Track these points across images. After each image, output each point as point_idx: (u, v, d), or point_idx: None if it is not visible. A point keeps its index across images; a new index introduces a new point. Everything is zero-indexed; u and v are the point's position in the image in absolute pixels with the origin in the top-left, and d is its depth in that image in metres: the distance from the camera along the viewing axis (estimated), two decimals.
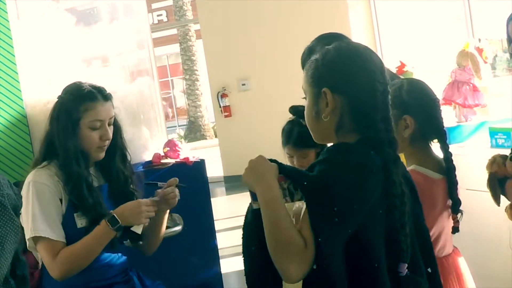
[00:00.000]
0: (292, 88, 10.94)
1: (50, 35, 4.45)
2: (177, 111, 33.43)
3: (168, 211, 3.49)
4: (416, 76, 7.50)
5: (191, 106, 26.78)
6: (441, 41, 10.17)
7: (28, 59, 4.22)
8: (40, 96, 4.11)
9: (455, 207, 3.07)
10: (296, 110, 3.78)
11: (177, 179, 3.42)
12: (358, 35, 11.15)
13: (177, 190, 3.39)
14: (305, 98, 2.41)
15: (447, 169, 3.03)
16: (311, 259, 2.07)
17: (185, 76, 26.55)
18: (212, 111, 13.79)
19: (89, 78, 4.12)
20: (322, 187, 2.12)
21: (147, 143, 4.39)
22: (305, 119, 2.42)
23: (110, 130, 3.39)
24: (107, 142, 3.37)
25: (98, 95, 3.34)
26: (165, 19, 30.19)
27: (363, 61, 2.30)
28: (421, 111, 2.96)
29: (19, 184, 3.36)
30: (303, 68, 2.95)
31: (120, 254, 3.43)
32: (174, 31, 26.65)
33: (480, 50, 6.55)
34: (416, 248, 2.38)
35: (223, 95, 12.75)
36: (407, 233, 2.25)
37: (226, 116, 12.58)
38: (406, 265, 2.27)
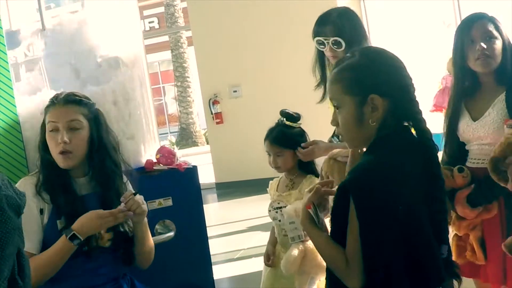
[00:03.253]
0: (283, 95, 11.05)
1: (42, 40, 4.46)
2: (169, 118, 33.40)
3: (144, 221, 3.47)
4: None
5: (182, 112, 26.80)
6: (431, 47, 10.24)
7: (22, 66, 4.23)
8: (33, 103, 4.12)
9: None
10: (285, 113, 4.03)
11: (131, 190, 3.42)
12: None
13: (139, 198, 3.36)
14: (336, 107, 2.50)
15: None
16: (359, 271, 2.28)
17: (177, 83, 26.57)
18: (203, 118, 13.81)
19: (81, 85, 4.16)
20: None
21: (139, 150, 4.40)
22: (342, 127, 2.50)
23: (74, 136, 3.35)
24: (65, 147, 3.34)
25: (60, 98, 3.39)
26: (156, 26, 30.17)
27: (392, 61, 2.46)
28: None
29: None
30: None
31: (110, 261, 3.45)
32: (165, 38, 26.66)
33: None
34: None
35: (215, 102, 12.77)
36: (446, 216, 2.45)
37: (217, 123, 12.60)
38: (447, 246, 2.43)
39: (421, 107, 2.49)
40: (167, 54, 27.81)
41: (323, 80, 4.25)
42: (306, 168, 4.19)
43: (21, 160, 3.96)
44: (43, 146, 3.39)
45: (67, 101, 3.39)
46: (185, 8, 15.78)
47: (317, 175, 4.09)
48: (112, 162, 3.50)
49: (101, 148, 3.46)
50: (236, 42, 12.28)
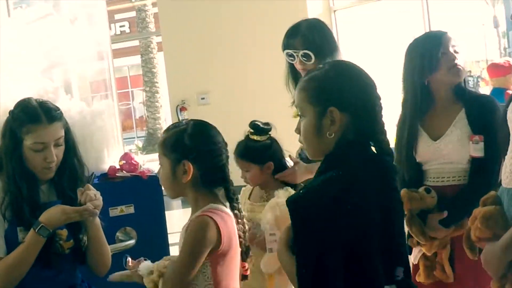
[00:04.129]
0: (251, 103, 11.02)
1: (8, 40, 4.40)
2: (136, 122, 33.32)
3: (96, 223, 3.36)
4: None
5: (150, 118, 26.74)
6: (401, 60, 10.21)
7: None
8: None
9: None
10: (252, 125, 3.90)
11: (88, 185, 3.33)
12: None
13: (92, 192, 3.28)
14: (299, 116, 2.48)
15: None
16: None
17: (145, 88, 26.51)
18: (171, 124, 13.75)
19: (46, 86, 4.10)
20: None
21: (102, 155, 4.35)
22: (302, 136, 2.48)
23: (59, 151, 3.31)
24: (53, 164, 3.30)
25: (42, 116, 3.22)
26: (127, 30, 30.09)
27: (362, 78, 2.42)
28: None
29: None
30: None
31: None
32: (136, 43, 26.60)
33: None
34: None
35: (182, 109, 12.72)
36: (405, 238, 2.52)
37: None
38: (403, 269, 2.36)
39: (386, 126, 2.47)
40: (136, 59, 27.73)
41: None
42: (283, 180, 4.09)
43: None
44: (17, 159, 3.24)
45: (52, 119, 3.26)
46: (157, 14, 15.73)
47: (293, 187, 4.03)
48: (80, 165, 3.46)
49: (70, 152, 3.41)
50: (205, 49, 12.26)
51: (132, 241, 3.98)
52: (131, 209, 4.14)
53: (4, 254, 3.20)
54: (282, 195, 3.81)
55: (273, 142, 3.98)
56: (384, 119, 2.46)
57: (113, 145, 4.55)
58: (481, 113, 3.55)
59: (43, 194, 3.36)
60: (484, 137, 3.49)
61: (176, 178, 2.94)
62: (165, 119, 26.00)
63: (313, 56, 3.91)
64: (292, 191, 3.86)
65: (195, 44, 12.34)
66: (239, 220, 3.05)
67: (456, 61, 3.59)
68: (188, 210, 2.97)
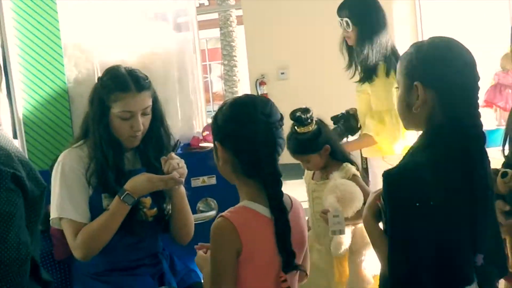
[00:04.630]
0: (329, 80, 10.96)
1: (94, 9, 4.43)
2: (213, 96, 33.45)
3: (181, 192, 3.42)
4: None
5: (228, 92, 26.76)
6: (486, 42, 10.06)
7: (71, 28, 4.19)
8: (82, 71, 4.09)
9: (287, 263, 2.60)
10: (295, 118, 3.86)
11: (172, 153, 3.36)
12: (401, 35, 11.06)
13: (176, 161, 3.31)
14: (397, 87, 2.54)
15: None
16: None
17: (224, 62, 26.53)
18: None
19: (132, 58, 4.11)
20: None
21: (189, 125, 4.37)
22: (397, 107, 2.57)
23: (146, 119, 3.34)
24: (140, 132, 3.33)
25: (131, 85, 3.28)
26: (206, 3, 30.14)
27: (455, 57, 2.40)
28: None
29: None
30: None
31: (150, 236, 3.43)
32: (215, 16, 26.60)
33: None
34: (499, 241, 2.55)
35: (262, 83, 12.73)
36: (487, 224, 2.38)
37: None
38: (483, 256, 2.36)
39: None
40: (215, 32, 27.76)
41: (350, 59, 5.06)
42: (341, 156, 4.08)
43: (67, 128, 3.95)
44: (104, 126, 3.31)
45: (141, 88, 3.32)
46: None
47: (351, 162, 4.03)
48: (167, 135, 3.49)
49: (157, 122, 3.44)
50: (285, 24, 12.21)
51: (213, 212, 3.98)
52: (213, 180, 4.13)
53: (88, 221, 3.25)
54: (338, 176, 3.84)
55: (321, 127, 3.97)
56: (478, 101, 2.45)
57: (197, 116, 4.56)
58: None
59: (128, 162, 3.39)
60: None
61: (219, 163, 2.72)
62: (246, 93, 26.01)
63: (351, 25, 4.71)
64: (350, 166, 3.88)
65: (275, 19, 12.30)
66: (280, 224, 2.54)
67: None
68: None
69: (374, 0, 4.88)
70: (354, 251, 3.91)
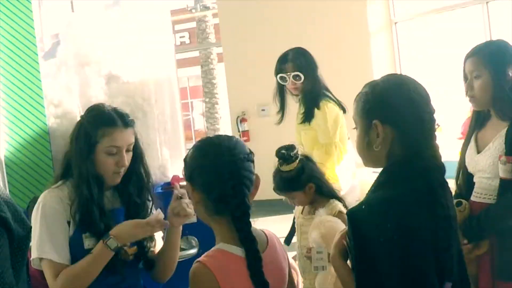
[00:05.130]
0: None
1: (75, 51, 4.47)
2: (196, 134, 33.46)
3: (180, 230, 3.45)
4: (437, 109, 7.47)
5: (210, 129, 26.81)
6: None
7: (52, 75, 4.24)
8: (63, 111, 4.12)
9: None
10: (280, 155, 3.90)
11: (179, 193, 3.35)
12: (380, 63, 11.18)
13: (186, 203, 3.32)
14: (355, 128, 2.56)
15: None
16: None
17: (205, 99, 26.60)
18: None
19: (110, 96, 4.15)
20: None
21: (166, 164, 4.39)
22: (356, 147, 2.57)
23: (128, 157, 3.36)
24: (123, 169, 3.35)
25: (118, 121, 3.31)
26: (187, 41, 30.26)
27: (410, 93, 2.44)
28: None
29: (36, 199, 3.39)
30: None
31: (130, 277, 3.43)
32: (196, 54, 26.72)
33: None
34: (463, 268, 2.56)
35: (243, 120, 12.77)
36: (453, 253, 2.42)
37: (244, 141, 12.53)
38: (451, 284, 2.41)
39: (439, 140, 2.50)
40: (196, 70, 27.84)
41: (282, 108, 5.71)
42: (327, 193, 4.09)
43: (48, 169, 3.97)
44: (91, 162, 3.29)
45: (127, 124, 3.34)
46: (217, 25, 15.79)
47: (338, 199, 4.05)
48: (146, 173, 3.51)
49: (138, 160, 3.46)
50: (266, 60, 12.17)
51: (194, 250, 4.00)
52: (193, 219, 4.15)
53: (69, 262, 3.23)
54: (323, 212, 3.86)
55: (304, 164, 3.99)
56: (435, 133, 2.50)
57: (176, 155, 4.59)
58: None
59: (108, 201, 3.40)
60: None
61: (194, 204, 2.69)
62: (225, 131, 26.08)
63: (302, 76, 5.21)
64: (337, 203, 3.90)
65: (255, 55, 12.36)
66: (251, 256, 2.51)
67: (468, 92, 3.53)
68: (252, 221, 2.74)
69: (305, 49, 5.59)
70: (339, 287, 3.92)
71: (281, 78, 5.34)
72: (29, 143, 3.95)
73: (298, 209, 4.24)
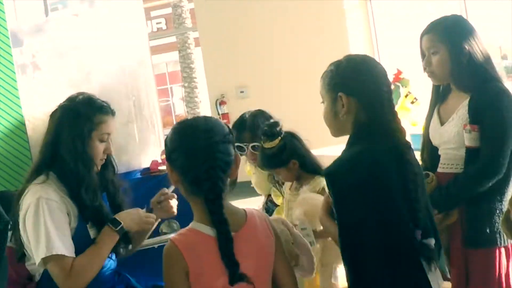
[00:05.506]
0: (290, 95, 11.05)
1: (48, 41, 4.48)
2: (176, 119, 33.39)
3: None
4: (413, 84, 7.50)
5: (190, 113, 26.75)
6: None
7: (27, 66, 4.24)
8: (39, 103, 4.12)
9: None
10: (263, 132, 3.97)
11: (165, 189, 3.54)
12: (356, 41, 11.20)
13: (175, 203, 3.50)
14: (322, 102, 2.87)
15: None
16: None
17: (184, 84, 26.53)
18: None
19: (88, 85, 4.17)
20: None
21: (145, 150, 4.42)
22: (324, 119, 2.86)
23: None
24: (105, 156, 3.42)
25: (108, 108, 3.41)
26: (164, 27, 30.14)
27: (370, 68, 2.78)
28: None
29: (14, 194, 3.37)
30: None
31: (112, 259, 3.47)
32: (173, 39, 26.61)
33: None
34: (432, 220, 2.81)
35: (222, 103, 12.78)
36: (421, 204, 2.66)
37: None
38: (421, 231, 2.63)
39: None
40: (174, 55, 27.70)
41: None
42: (312, 169, 4.12)
43: (26, 160, 3.97)
44: (87, 147, 3.31)
45: (113, 113, 3.44)
46: (193, 9, 15.76)
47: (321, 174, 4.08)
48: (114, 160, 3.56)
49: (110, 148, 3.50)
50: (243, 42, 12.27)
51: (175, 234, 4.01)
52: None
53: (74, 254, 3.21)
54: (307, 190, 3.91)
55: (287, 141, 4.00)
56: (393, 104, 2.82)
57: (155, 140, 4.61)
58: (481, 103, 3.43)
59: None
60: (481, 127, 3.40)
61: (174, 183, 2.76)
62: (205, 115, 25.95)
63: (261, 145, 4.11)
64: (321, 180, 3.93)
65: (232, 38, 12.37)
66: (222, 238, 2.55)
67: (427, 68, 3.62)
68: (233, 202, 2.77)
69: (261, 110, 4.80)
70: (325, 264, 3.94)
71: (239, 147, 4.30)
72: (5, 135, 3.95)
73: (287, 184, 4.26)
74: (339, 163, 2.68)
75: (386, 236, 2.55)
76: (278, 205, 4.47)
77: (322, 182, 3.93)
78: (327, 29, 11.09)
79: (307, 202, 3.76)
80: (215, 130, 2.63)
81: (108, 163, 3.49)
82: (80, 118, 3.32)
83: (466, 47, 3.50)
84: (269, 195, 4.59)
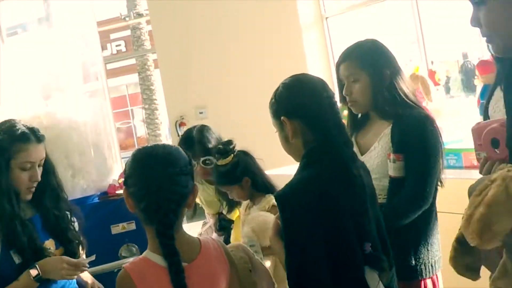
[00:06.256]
0: (248, 115, 11.07)
1: (2, 64, 4.47)
2: (138, 141, 33.30)
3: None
4: None
5: (151, 135, 26.71)
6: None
7: None
8: None
9: None
10: (217, 150, 4.02)
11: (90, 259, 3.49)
12: (313, 60, 11.29)
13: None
14: (276, 132, 2.84)
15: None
16: None
17: (145, 106, 26.49)
18: (171, 140, 13.82)
19: (43, 107, 4.15)
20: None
21: (104, 174, 4.41)
22: (282, 147, 2.84)
23: (40, 171, 3.39)
24: (35, 184, 3.37)
25: (31, 136, 3.34)
26: (123, 49, 30.11)
27: (304, 86, 2.78)
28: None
29: None
30: None
31: None
32: (133, 61, 26.60)
33: (433, 73, 6.69)
34: (382, 231, 2.84)
35: (181, 124, 12.74)
36: (370, 217, 2.69)
37: None
38: (370, 244, 2.65)
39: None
40: (134, 77, 27.70)
41: None
42: (263, 188, 4.11)
43: None
44: (7, 177, 3.28)
45: (39, 140, 3.37)
46: (151, 31, 15.80)
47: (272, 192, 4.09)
48: (59, 186, 3.53)
49: (50, 173, 3.49)
50: (201, 63, 12.28)
51: (135, 258, 4.02)
52: (132, 226, 4.18)
53: None
54: (256, 209, 3.94)
55: (240, 158, 4.04)
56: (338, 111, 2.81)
57: (112, 164, 4.60)
58: (404, 131, 3.36)
59: (22, 212, 3.39)
60: (406, 157, 3.33)
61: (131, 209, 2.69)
62: (166, 136, 25.99)
63: (213, 160, 4.15)
64: (271, 198, 3.95)
65: (190, 59, 12.37)
66: (173, 269, 2.51)
67: (348, 97, 3.51)
68: (192, 225, 2.77)
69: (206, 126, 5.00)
70: (278, 281, 3.96)
71: None
72: None
73: (243, 204, 4.27)
74: (289, 187, 2.65)
75: (331, 257, 2.54)
76: (233, 221, 4.48)
77: (272, 200, 3.95)
78: (285, 48, 11.13)
79: (255, 220, 3.79)
80: (173, 161, 2.59)
81: (45, 190, 3.47)
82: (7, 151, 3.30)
83: (388, 72, 3.43)
84: (220, 213, 4.59)
